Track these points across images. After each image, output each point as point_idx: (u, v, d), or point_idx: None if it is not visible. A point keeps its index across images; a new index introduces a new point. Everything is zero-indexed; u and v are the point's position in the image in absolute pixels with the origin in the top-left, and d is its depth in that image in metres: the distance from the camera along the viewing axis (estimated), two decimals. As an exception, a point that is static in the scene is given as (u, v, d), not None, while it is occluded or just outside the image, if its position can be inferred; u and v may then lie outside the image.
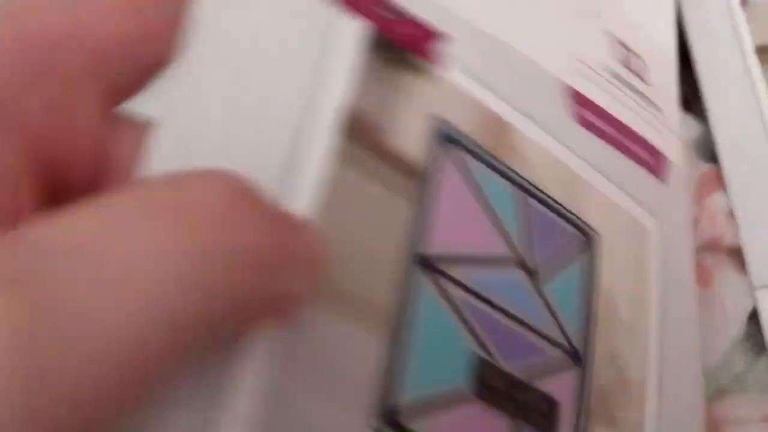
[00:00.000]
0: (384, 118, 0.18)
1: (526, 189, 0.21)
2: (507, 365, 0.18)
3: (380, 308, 0.16)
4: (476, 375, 0.18)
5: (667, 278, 0.24)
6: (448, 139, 0.20)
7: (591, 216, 0.22)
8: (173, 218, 0.10)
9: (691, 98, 0.33)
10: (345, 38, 0.16)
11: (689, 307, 0.26)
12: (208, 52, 0.14)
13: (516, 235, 0.20)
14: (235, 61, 0.14)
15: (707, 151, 0.33)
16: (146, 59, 0.13)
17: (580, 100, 0.24)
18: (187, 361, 0.11)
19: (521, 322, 0.19)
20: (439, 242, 0.18)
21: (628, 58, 0.28)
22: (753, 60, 0.31)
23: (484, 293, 0.19)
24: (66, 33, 0.12)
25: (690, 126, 0.33)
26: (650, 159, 0.26)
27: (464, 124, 0.20)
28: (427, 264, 0.18)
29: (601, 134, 0.24)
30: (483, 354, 0.18)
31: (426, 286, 0.18)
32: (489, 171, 0.20)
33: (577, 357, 0.20)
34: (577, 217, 0.22)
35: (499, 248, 0.20)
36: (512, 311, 0.19)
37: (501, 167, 0.21)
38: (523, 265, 0.20)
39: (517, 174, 0.21)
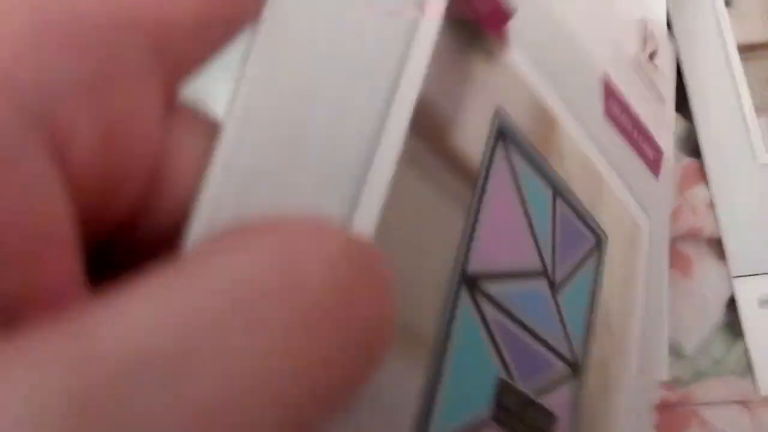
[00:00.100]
0: (449, 108, 0.16)
1: (558, 189, 0.20)
2: (523, 384, 0.17)
3: (425, 334, 0.15)
4: (496, 397, 0.16)
5: (649, 275, 0.24)
6: (505, 133, 0.18)
7: (603, 217, 0.22)
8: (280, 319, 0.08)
9: (676, 94, 0.34)
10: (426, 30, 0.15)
11: (663, 295, 0.26)
12: (279, 35, 0.12)
13: (544, 243, 0.19)
14: (312, 48, 0.12)
15: (690, 144, 0.34)
16: (214, 38, 0.11)
17: (609, 92, 0.23)
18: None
19: (541, 339, 0.18)
20: (483, 257, 0.16)
21: (653, 46, 0.27)
22: (736, 58, 0.32)
23: (516, 312, 0.17)
24: (122, 14, 0.09)
25: (674, 121, 0.34)
26: (652, 156, 0.26)
27: (520, 116, 0.18)
28: (471, 283, 0.16)
29: (622, 130, 0.23)
30: (504, 375, 0.17)
31: (466, 305, 0.16)
32: (532, 169, 0.19)
33: (577, 368, 0.19)
34: (594, 219, 0.21)
35: (532, 260, 0.18)
36: (536, 329, 0.18)
37: (542, 165, 0.19)
38: (546, 275, 0.19)
39: (554, 172, 0.19)
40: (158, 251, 0.10)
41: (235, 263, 0.08)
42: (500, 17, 0.18)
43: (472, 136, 0.17)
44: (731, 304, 0.31)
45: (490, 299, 0.17)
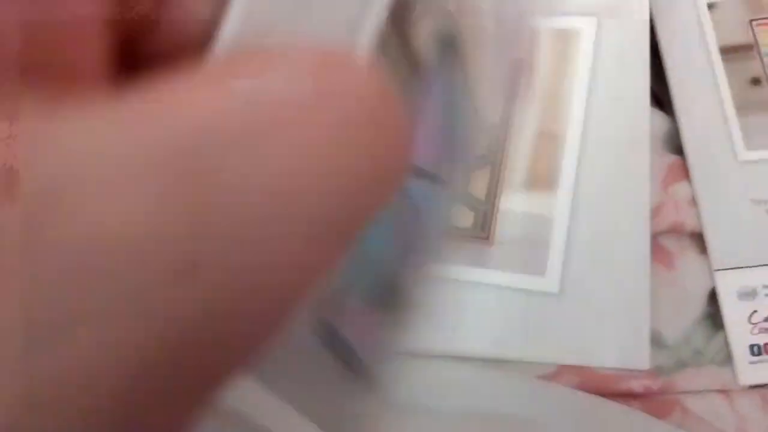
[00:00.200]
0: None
1: None
2: None
3: None
4: None
5: None
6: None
7: None
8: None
9: (661, 95, 0.35)
10: None
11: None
12: None
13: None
14: None
15: (673, 142, 0.35)
16: None
17: None
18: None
19: None
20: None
21: None
22: (718, 59, 0.34)
23: None
24: None
25: (659, 120, 0.35)
26: None
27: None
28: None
29: None
30: None
31: None
32: None
33: None
34: None
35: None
36: None
37: None
38: None
39: None
40: (182, 56, 0.10)
41: (277, 71, 0.09)
42: None
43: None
44: (712, 296, 0.33)
45: None
